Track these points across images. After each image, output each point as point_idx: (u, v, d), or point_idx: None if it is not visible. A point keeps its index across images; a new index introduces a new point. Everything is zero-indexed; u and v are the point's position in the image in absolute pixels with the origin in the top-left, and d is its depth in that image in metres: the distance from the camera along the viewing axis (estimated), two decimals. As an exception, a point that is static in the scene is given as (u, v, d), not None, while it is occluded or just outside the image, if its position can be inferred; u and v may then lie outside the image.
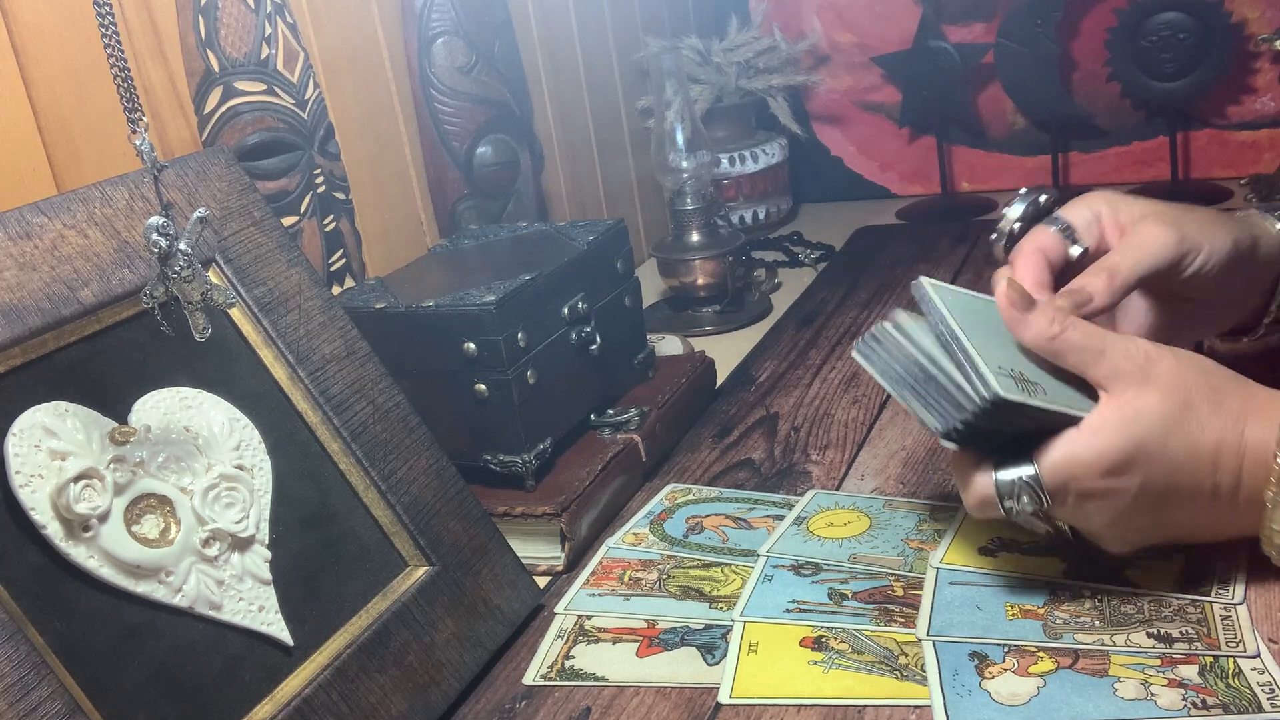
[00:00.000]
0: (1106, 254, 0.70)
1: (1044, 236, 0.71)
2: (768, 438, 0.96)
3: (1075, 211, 0.72)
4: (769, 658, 0.66)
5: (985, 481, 0.63)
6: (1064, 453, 0.61)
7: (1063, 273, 0.70)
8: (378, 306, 0.84)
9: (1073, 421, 0.61)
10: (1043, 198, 0.74)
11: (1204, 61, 1.39)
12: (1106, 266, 0.68)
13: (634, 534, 0.83)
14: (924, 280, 0.66)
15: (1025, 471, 0.62)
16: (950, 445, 0.64)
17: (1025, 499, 0.62)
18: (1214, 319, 0.77)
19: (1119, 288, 0.68)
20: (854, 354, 0.68)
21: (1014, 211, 0.74)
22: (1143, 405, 0.60)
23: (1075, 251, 0.71)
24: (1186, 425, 0.60)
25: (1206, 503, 0.62)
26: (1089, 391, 0.63)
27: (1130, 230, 0.71)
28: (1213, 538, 0.66)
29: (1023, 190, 0.75)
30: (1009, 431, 0.62)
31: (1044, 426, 0.62)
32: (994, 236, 0.75)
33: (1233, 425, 0.61)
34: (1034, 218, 0.73)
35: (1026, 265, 0.69)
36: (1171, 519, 0.63)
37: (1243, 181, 1.44)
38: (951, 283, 0.71)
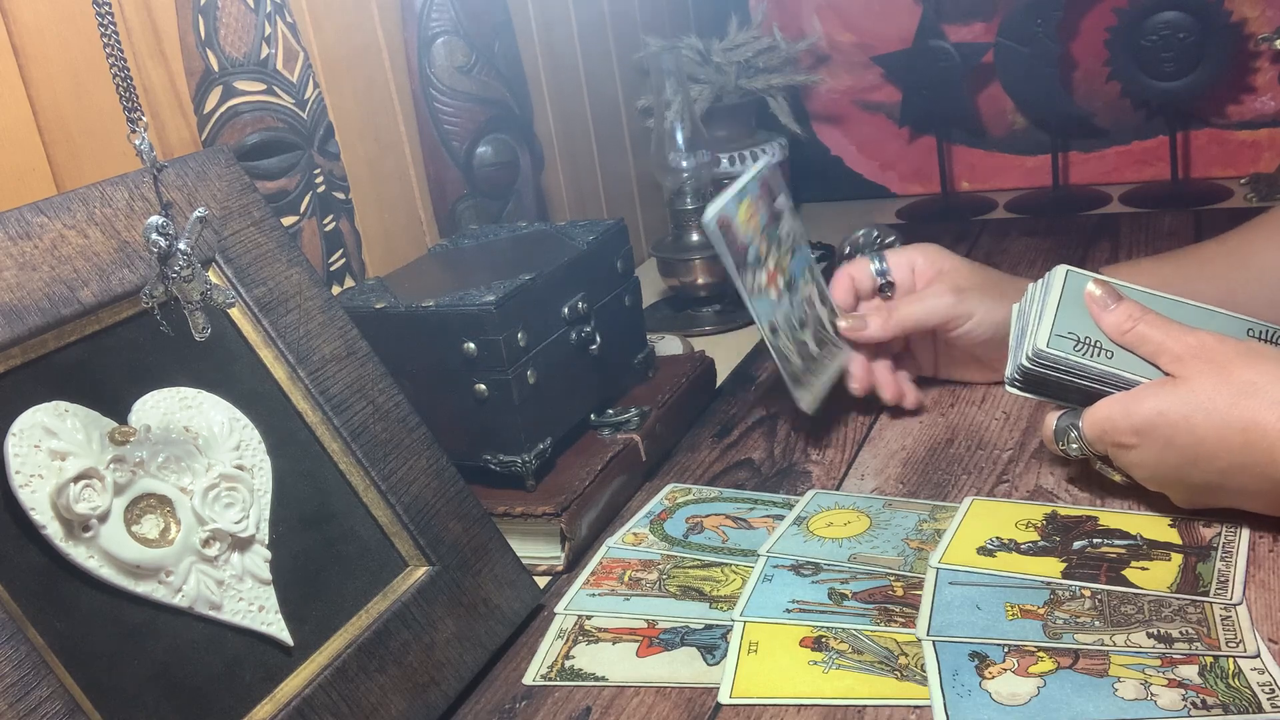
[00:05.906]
0: (906, 296, 0.92)
1: (857, 268, 0.93)
2: (768, 437, 0.96)
3: (895, 258, 0.93)
4: (769, 658, 0.66)
5: (1050, 422, 0.76)
6: (1105, 410, 0.72)
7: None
8: (378, 306, 0.84)
9: (1127, 385, 0.71)
10: (882, 236, 1.00)
11: (1204, 61, 1.39)
12: (891, 310, 0.91)
13: (634, 534, 0.83)
14: (1061, 266, 0.77)
15: (1074, 419, 0.74)
16: (1012, 391, 0.77)
17: (1073, 443, 0.74)
18: (987, 371, 0.95)
19: (893, 327, 0.90)
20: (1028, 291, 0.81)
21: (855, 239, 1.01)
22: (1179, 384, 0.69)
23: (881, 282, 0.93)
24: (1215, 403, 0.67)
25: (1241, 475, 0.67)
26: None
27: (926, 284, 0.91)
28: (1276, 512, 0.70)
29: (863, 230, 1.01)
30: (1081, 387, 0.73)
31: (1105, 387, 0.72)
32: (847, 250, 0.99)
33: (1269, 409, 0.65)
34: (869, 249, 0.98)
35: (839, 286, 0.93)
36: (1215, 484, 0.69)
37: (1243, 181, 1.44)
38: None
